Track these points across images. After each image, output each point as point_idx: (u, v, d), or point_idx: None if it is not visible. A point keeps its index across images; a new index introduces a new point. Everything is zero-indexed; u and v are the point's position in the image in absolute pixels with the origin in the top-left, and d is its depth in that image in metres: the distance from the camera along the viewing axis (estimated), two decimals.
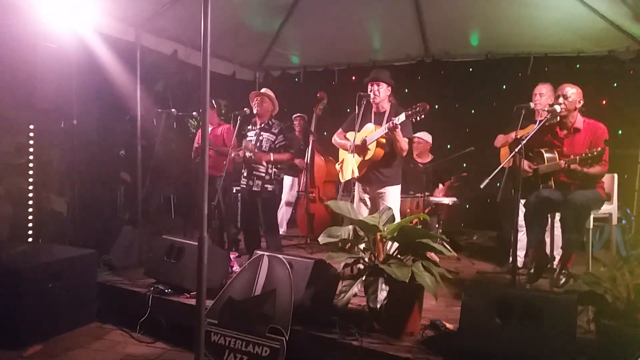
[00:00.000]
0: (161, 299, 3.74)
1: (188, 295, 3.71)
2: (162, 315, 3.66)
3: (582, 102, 3.75)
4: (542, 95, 4.39)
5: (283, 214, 6.49)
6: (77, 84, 5.16)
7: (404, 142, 4.03)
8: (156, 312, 3.68)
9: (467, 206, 5.89)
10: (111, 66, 5.29)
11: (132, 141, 5.56)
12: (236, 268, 4.27)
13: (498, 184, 4.36)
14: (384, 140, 4.08)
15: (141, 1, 4.99)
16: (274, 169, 4.79)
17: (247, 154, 4.67)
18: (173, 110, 5.47)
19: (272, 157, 4.71)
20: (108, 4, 4.75)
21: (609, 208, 3.86)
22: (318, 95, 5.72)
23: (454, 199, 5.46)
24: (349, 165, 4.17)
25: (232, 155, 4.72)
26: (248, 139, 4.86)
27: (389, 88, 4.22)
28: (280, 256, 3.35)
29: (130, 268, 4.48)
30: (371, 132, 4.15)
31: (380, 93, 4.18)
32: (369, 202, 4.30)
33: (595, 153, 3.34)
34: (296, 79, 7.18)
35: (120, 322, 3.83)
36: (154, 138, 5.55)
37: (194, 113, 5.91)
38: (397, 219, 3.59)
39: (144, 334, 3.65)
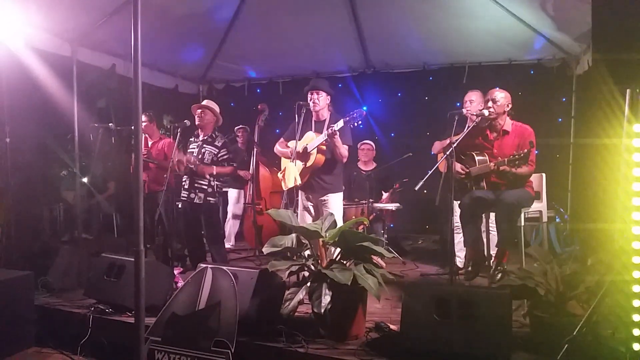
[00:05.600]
0: (102, 319, 3.62)
1: (130, 314, 3.60)
2: (104, 335, 3.54)
3: (510, 106, 3.92)
4: (472, 102, 4.57)
5: (230, 227, 6.42)
6: (10, 101, 4.96)
7: (343, 149, 4.12)
8: (97, 333, 3.55)
9: (411, 211, 6.03)
10: (47, 82, 5.11)
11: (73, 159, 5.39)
12: (180, 284, 4.19)
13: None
14: (324, 147, 4.16)
15: (77, 15, 4.87)
16: (216, 182, 4.77)
17: (190, 166, 4.63)
18: (110, 124, 5.29)
19: (215, 170, 4.68)
20: (41, 18, 4.60)
21: (539, 206, 4.05)
22: (259, 107, 5.75)
23: (398, 204, 5.59)
24: (291, 173, 4.21)
25: (175, 161, 4.64)
26: (189, 150, 4.81)
27: (328, 97, 4.31)
28: (224, 268, 3.31)
29: (70, 289, 4.31)
30: (312, 140, 4.22)
31: (320, 101, 4.26)
32: (312, 210, 4.35)
33: (522, 154, 3.51)
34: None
35: (60, 345, 3.67)
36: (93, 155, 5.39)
37: (133, 127, 5.75)
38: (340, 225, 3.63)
39: (85, 356, 3.51)
